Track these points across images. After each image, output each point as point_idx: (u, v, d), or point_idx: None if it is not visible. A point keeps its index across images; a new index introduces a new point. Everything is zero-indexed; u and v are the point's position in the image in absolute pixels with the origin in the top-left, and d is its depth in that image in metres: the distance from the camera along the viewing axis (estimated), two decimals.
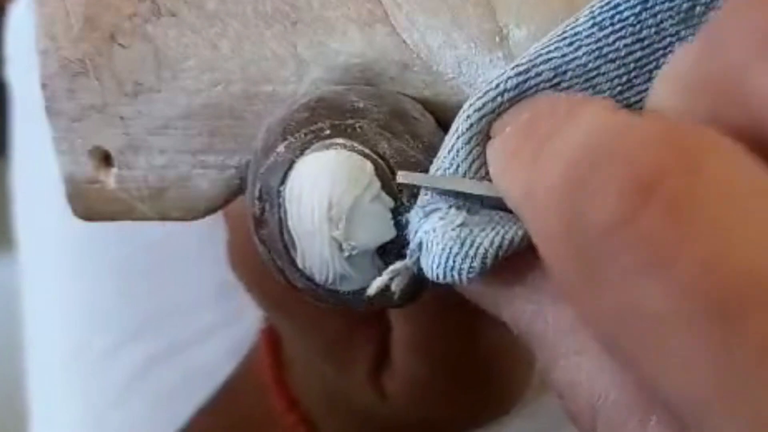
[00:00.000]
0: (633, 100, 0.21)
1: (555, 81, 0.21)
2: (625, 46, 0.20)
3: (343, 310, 0.31)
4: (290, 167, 0.22)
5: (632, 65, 0.20)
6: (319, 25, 0.24)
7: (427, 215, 0.21)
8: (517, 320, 0.20)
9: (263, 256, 0.23)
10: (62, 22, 0.24)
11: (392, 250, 0.22)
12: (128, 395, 0.50)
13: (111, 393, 0.51)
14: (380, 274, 0.22)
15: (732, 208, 0.15)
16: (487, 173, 0.21)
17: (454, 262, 0.20)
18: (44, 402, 0.55)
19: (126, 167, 0.25)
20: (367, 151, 0.22)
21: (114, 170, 0.25)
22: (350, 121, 0.22)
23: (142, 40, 0.24)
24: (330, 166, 0.22)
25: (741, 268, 0.14)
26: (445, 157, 0.21)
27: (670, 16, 0.20)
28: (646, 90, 0.20)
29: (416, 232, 0.21)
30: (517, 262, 0.20)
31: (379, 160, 0.22)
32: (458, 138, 0.21)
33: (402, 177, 0.22)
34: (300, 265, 0.23)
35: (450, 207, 0.21)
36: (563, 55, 0.20)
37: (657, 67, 0.20)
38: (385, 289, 0.22)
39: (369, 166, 0.22)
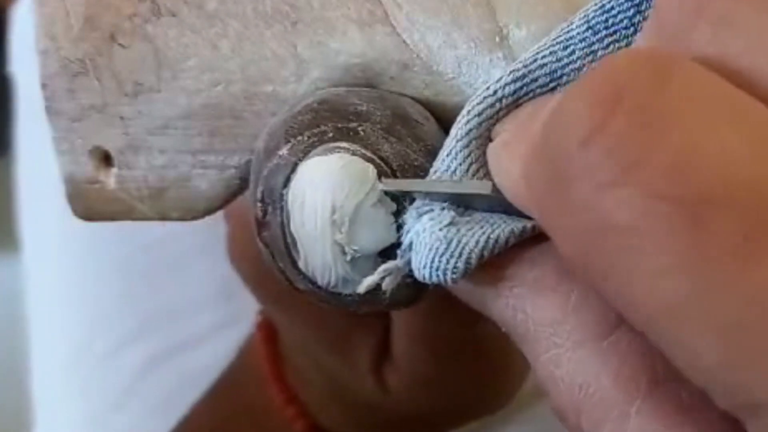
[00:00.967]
0: None
1: (551, 86, 0.21)
2: (619, 48, 0.20)
3: None
4: (293, 170, 0.22)
5: None
6: (319, 25, 0.24)
7: (419, 216, 0.21)
8: (503, 316, 0.20)
9: (265, 258, 0.23)
10: (62, 22, 0.24)
11: (395, 253, 0.22)
12: (129, 396, 0.50)
13: (112, 394, 0.51)
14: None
15: (699, 113, 0.15)
16: (485, 176, 0.21)
17: (439, 262, 0.20)
18: (47, 403, 0.55)
19: (126, 167, 0.25)
20: (369, 154, 0.22)
21: (114, 170, 0.25)
22: (353, 125, 0.22)
23: (142, 40, 0.24)
24: (333, 171, 0.22)
25: (709, 169, 0.14)
26: (443, 160, 0.21)
27: None
28: None
29: (408, 232, 0.21)
30: (501, 258, 0.20)
31: (382, 164, 0.22)
32: (457, 142, 0.21)
33: (386, 184, 0.22)
34: (302, 268, 0.23)
35: (443, 209, 0.21)
36: (558, 59, 0.21)
37: None
38: (377, 288, 0.22)
39: (371, 170, 0.22)
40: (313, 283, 0.23)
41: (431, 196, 0.21)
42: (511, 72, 0.21)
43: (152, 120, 0.25)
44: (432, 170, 0.22)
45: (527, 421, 0.44)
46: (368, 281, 0.22)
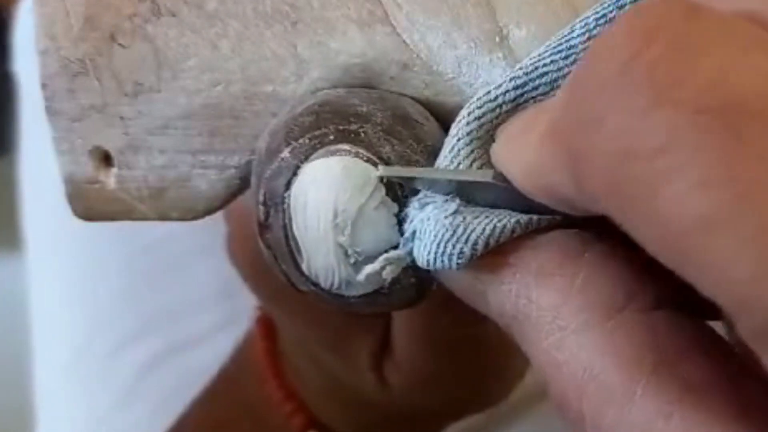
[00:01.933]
0: None
1: (551, 94, 0.21)
2: None
3: None
4: (295, 173, 0.22)
5: None
6: (319, 25, 0.24)
7: (422, 207, 0.21)
8: (503, 306, 0.20)
9: (268, 259, 0.23)
10: (62, 22, 0.24)
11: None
12: (131, 396, 0.50)
13: (114, 394, 0.51)
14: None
15: (731, 40, 0.15)
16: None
17: (445, 248, 0.20)
18: (48, 403, 0.55)
19: (126, 167, 0.25)
20: (371, 156, 0.22)
21: (114, 170, 0.25)
22: (354, 126, 0.22)
23: (142, 40, 0.24)
24: (335, 174, 0.22)
25: (744, 83, 0.15)
26: (445, 157, 0.21)
27: None
28: None
29: (411, 221, 0.21)
30: (504, 246, 0.20)
31: (384, 166, 0.22)
32: (459, 140, 0.21)
33: (382, 170, 0.22)
34: (305, 271, 0.22)
35: (446, 200, 0.21)
36: (559, 69, 0.21)
37: None
38: (379, 290, 0.22)
39: (373, 172, 0.22)
40: (316, 285, 0.23)
41: (433, 187, 0.21)
42: (511, 79, 0.21)
43: (152, 120, 0.25)
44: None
45: (528, 421, 0.44)
46: (369, 269, 0.22)
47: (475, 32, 0.23)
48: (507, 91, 0.21)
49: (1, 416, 0.86)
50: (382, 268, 0.22)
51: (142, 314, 0.50)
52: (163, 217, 0.26)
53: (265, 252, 0.23)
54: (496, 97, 0.21)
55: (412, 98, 0.24)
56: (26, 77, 0.58)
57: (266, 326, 0.39)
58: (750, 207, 0.14)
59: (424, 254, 0.21)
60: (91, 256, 0.52)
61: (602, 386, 0.18)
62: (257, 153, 0.23)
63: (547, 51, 0.21)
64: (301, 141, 0.22)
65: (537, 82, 0.21)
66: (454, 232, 0.20)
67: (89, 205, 0.26)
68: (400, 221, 0.22)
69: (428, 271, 0.21)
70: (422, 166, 0.22)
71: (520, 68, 0.21)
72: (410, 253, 0.22)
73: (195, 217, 0.26)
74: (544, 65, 0.21)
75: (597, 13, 0.20)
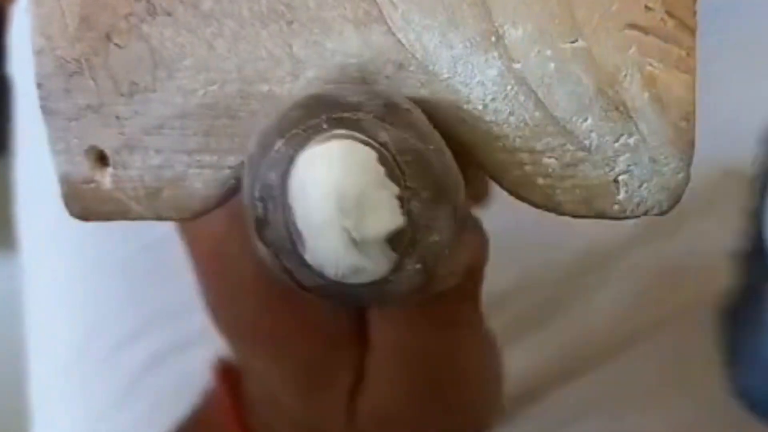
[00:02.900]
0: None
1: None
2: None
3: (313, 334, 0.30)
4: (291, 163, 0.22)
5: None
6: (315, 25, 0.24)
7: None
8: None
9: (268, 260, 0.23)
10: (58, 22, 0.24)
11: (401, 238, 0.22)
12: (130, 395, 0.50)
13: (113, 393, 0.51)
14: (391, 264, 0.22)
15: None
16: None
17: None
18: (46, 403, 0.55)
19: (122, 167, 0.25)
20: (367, 139, 0.22)
21: (110, 170, 0.25)
22: (347, 114, 0.22)
23: (138, 40, 0.24)
24: (333, 157, 0.21)
25: None
26: None
27: None
28: None
29: None
30: None
31: (381, 148, 0.22)
32: None
33: None
34: (310, 262, 0.22)
35: None
36: None
37: None
38: (387, 276, 0.22)
39: (372, 153, 0.22)
40: (321, 276, 0.22)
41: None
42: None
43: (148, 120, 0.25)
44: None
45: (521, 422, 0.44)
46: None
47: (471, 32, 0.23)
48: None
49: None
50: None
51: (143, 313, 0.50)
52: (160, 217, 0.26)
53: (264, 251, 0.23)
54: None
55: (408, 98, 0.24)
56: (21, 78, 0.58)
57: (228, 377, 0.37)
58: None
59: None
60: (90, 256, 0.52)
61: None
62: (248, 156, 0.23)
63: None
64: (294, 132, 0.22)
65: None
66: None
67: (85, 205, 0.26)
68: (402, 203, 0.22)
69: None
70: (419, 149, 0.22)
71: None
72: None
73: (192, 217, 0.26)
74: None
75: None
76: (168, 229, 0.30)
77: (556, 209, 0.24)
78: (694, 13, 0.23)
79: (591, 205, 0.24)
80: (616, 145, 0.24)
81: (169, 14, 0.24)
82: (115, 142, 0.25)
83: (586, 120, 0.23)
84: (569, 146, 0.24)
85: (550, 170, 0.24)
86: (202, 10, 0.24)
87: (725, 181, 0.48)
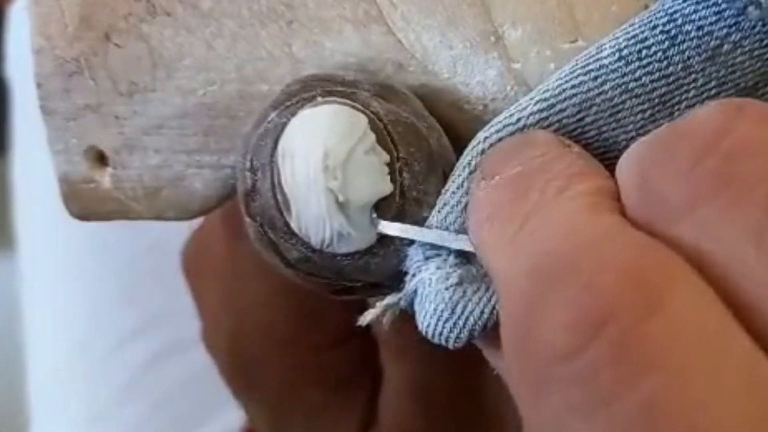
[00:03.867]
0: None
1: (579, 116, 0.20)
2: (651, 81, 0.20)
3: (320, 378, 0.30)
4: (282, 129, 0.22)
5: (656, 100, 0.20)
6: (314, 24, 0.24)
7: (426, 259, 0.21)
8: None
9: (254, 237, 0.23)
10: (57, 22, 0.24)
11: (389, 207, 0.22)
12: (130, 394, 0.50)
13: (113, 392, 0.51)
14: (377, 232, 0.22)
15: (680, 359, 0.14)
16: None
17: (443, 328, 0.20)
18: (46, 401, 0.55)
19: (121, 167, 0.25)
20: (359, 106, 0.22)
21: (109, 170, 0.25)
22: (342, 88, 0.22)
23: (137, 40, 0.24)
24: (323, 118, 0.21)
25: (681, 418, 0.14)
26: (453, 192, 0.21)
27: (698, 53, 0.20)
28: None
29: (414, 275, 0.21)
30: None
31: (374, 117, 0.22)
32: (470, 173, 0.21)
33: (384, 227, 0.21)
34: (295, 228, 0.22)
35: (449, 254, 0.21)
36: (588, 90, 0.20)
37: (680, 102, 0.20)
38: (371, 250, 0.22)
39: (363, 118, 0.22)
40: (307, 246, 0.22)
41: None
42: (537, 101, 0.20)
43: (147, 119, 0.25)
44: (440, 201, 0.21)
45: None
46: (371, 315, 0.22)
47: (471, 32, 0.23)
48: (531, 113, 0.20)
49: None
50: (383, 313, 0.22)
51: (143, 312, 0.50)
52: (159, 217, 0.25)
53: (251, 227, 0.23)
54: (518, 120, 0.20)
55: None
56: (19, 78, 0.58)
57: None
58: None
59: (423, 324, 0.21)
60: (90, 256, 0.52)
61: None
62: (245, 135, 0.23)
63: (573, 71, 0.20)
64: (287, 104, 0.22)
65: (564, 104, 0.20)
66: (453, 312, 0.20)
67: (84, 205, 0.26)
68: (391, 170, 0.21)
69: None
70: (412, 123, 0.22)
71: (546, 90, 0.20)
72: (411, 304, 0.21)
73: (191, 217, 0.26)
74: (572, 86, 0.20)
75: (627, 33, 0.20)
76: (168, 229, 0.31)
77: None
78: None
79: None
80: None
81: (168, 14, 0.24)
82: (115, 141, 0.25)
83: None
84: None
85: None
86: (201, 10, 0.24)
87: None
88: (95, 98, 0.25)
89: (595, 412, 0.14)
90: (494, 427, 0.33)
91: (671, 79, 0.20)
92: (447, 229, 0.21)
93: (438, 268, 0.21)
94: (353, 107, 0.22)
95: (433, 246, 0.21)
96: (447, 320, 0.20)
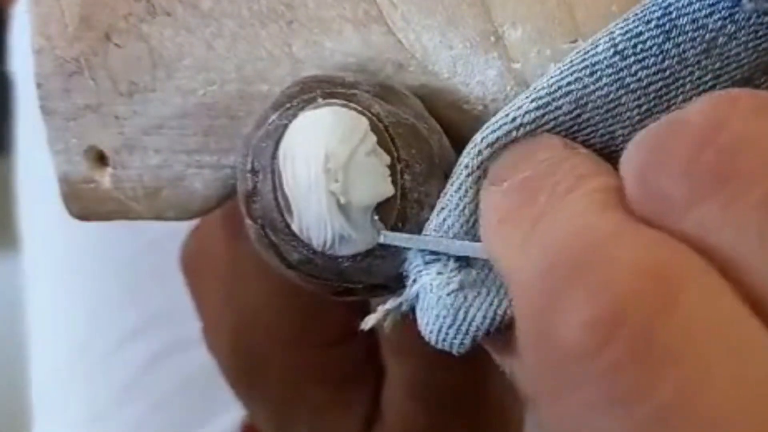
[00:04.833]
0: None
1: (576, 113, 0.20)
2: (647, 76, 0.20)
3: (324, 376, 0.30)
4: (283, 131, 0.22)
5: (653, 95, 0.20)
6: (314, 24, 0.24)
7: (426, 264, 0.21)
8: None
9: (254, 238, 0.23)
10: (57, 22, 0.24)
11: (390, 209, 0.22)
12: (130, 394, 0.50)
13: (113, 392, 0.51)
14: (378, 235, 0.21)
15: (700, 355, 0.14)
16: None
17: (446, 334, 0.20)
18: (47, 400, 0.55)
19: (121, 167, 0.25)
20: (360, 108, 0.22)
21: (109, 170, 0.25)
22: (342, 90, 0.22)
23: (137, 40, 0.24)
24: (324, 120, 0.21)
25: (703, 416, 0.14)
26: (452, 195, 0.21)
27: (693, 47, 0.20)
28: None
29: (415, 280, 0.21)
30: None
31: (374, 119, 0.22)
32: (468, 176, 0.21)
33: (384, 237, 0.21)
34: (296, 230, 0.22)
35: (449, 258, 0.21)
36: (584, 86, 0.20)
37: (676, 96, 0.20)
38: (373, 252, 0.22)
39: (364, 120, 0.22)
40: (308, 248, 0.22)
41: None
42: (532, 99, 0.20)
43: (147, 119, 0.25)
44: (439, 205, 0.21)
45: None
46: (373, 320, 0.22)
47: (471, 32, 0.23)
48: (527, 111, 0.20)
49: None
50: (384, 317, 0.22)
51: (144, 312, 0.50)
52: (159, 217, 0.25)
53: (252, 229, 0.23)
54: (514, 119, 0.20)
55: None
56: (23, 77, 0.58)
57: None
58: None
59: (426, 330, 0.21)
60: (90, 255, 0.52)
61: None
62: (245, 137, 0.23)
63: (568, 68, 0.20)
64: (287, 105, 0.22)
65: (561, 101, 0.20)
66: (455, 318, 0.20)
67: (84, 204, 0.26)
68: (393, 173, 0.22)
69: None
70: (412, 125, 0.22)
71: (542, 88, 0.20)
72: (412, 309, 0.21)
73: (191, 217, 0.26)
74: (568, 84, 0.20)
75: (622, 28, 0.20)
76: (168, 229, 0.31)
77: None
78: None
79: None
80: None
81: (168, 14, 0.24)
82: (115, 141, 0.25)
83: None
84: None
85: None
86: (201, 10, 0.24)
87: None
88: (95, 98, 0.25)
89: (616, 410, 0.14)
90: (498, 422, 0.33)
91: (667, 73, 0.20)
92: (446, 232, 0.21)
93: (439, 273, 0.21)
94: (354, 109, 0.22)
95: (431, 252, 0.21)
96: (450, 327, 0.20)
